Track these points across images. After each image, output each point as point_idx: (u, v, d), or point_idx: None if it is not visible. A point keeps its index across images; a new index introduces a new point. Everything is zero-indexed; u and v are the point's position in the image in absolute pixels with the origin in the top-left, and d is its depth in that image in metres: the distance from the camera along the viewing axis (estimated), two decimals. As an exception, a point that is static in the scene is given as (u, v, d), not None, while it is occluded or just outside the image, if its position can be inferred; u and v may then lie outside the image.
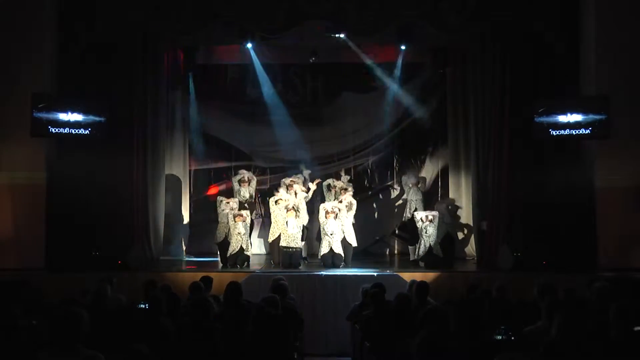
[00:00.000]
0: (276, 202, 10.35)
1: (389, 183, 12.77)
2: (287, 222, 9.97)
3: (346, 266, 10.06)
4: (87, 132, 9.69)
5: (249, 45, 11.15)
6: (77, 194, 9.98)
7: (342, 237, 10.13)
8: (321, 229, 10.23)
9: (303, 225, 10.37)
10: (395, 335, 5.01)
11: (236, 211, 10.17)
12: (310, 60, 12.05)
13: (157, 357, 4.08)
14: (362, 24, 9.92)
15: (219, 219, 10.48)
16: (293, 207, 10.05)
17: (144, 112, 10.30)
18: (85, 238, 9.84)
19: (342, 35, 11.17)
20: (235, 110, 12.53)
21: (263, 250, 12.09)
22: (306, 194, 10.80)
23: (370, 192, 12.56)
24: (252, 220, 10.98)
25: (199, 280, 7.33)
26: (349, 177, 11.80)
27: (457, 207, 11.97)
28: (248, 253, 10.15)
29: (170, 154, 11.88)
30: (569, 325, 3.89)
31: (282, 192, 10.51)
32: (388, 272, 9.67)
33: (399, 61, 12.06)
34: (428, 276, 8.92)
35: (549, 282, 6.03)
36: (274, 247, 10.48)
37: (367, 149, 12.83)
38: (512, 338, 4.27)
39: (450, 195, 12.26)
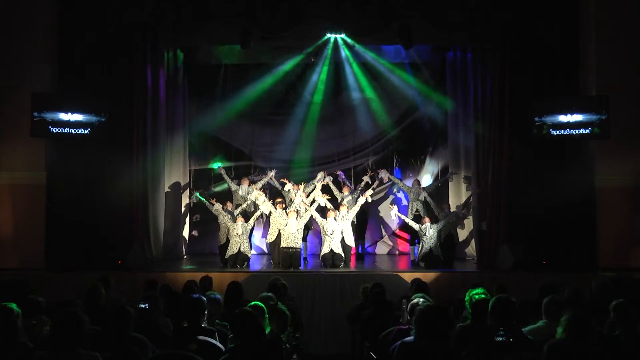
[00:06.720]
0: (274, 203, 10.36)
1: (388, 183, 12.75)
2: (288, 222, 9.97)
3: (346, 266, 10.07)
4: (87, 132, 9.68)
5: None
6: (77, 194, 9.98)
7: (342, 237, 10.13)
8: (321, 229, 10.24)
9: (304, 225, 10.37)
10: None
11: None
12: (311, 60, 12.07)
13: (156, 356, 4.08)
14: (362, 24, 9.93)
15: (220, 222, 10.55)
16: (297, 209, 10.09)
17: (144, 112, 10.31)
18: (85, 238, 9.84)
19: (342, 35, 11.17)
20: (235, 110, 12.53)
21: (263, 251, 12.06)
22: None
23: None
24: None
25: (199, 280, 7.34)
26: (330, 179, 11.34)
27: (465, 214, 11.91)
28: (247, 253, 10.15)
29: (170, 154, 11.88)
30: (576, 326, 3.87)
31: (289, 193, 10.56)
32: (388, 272, 9.68)
33: (399, 61, 12.05)
34: (428, 276, 8.92)
35: (550, 282, 6.04)
36: (274, 247, 10.48)
37: (367, 149, 12.84)
38: (511, 339, 4.26)
39: (450, 196, 12.23)
